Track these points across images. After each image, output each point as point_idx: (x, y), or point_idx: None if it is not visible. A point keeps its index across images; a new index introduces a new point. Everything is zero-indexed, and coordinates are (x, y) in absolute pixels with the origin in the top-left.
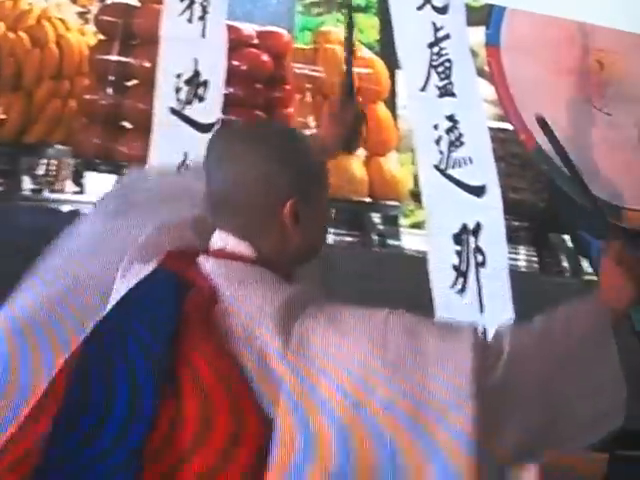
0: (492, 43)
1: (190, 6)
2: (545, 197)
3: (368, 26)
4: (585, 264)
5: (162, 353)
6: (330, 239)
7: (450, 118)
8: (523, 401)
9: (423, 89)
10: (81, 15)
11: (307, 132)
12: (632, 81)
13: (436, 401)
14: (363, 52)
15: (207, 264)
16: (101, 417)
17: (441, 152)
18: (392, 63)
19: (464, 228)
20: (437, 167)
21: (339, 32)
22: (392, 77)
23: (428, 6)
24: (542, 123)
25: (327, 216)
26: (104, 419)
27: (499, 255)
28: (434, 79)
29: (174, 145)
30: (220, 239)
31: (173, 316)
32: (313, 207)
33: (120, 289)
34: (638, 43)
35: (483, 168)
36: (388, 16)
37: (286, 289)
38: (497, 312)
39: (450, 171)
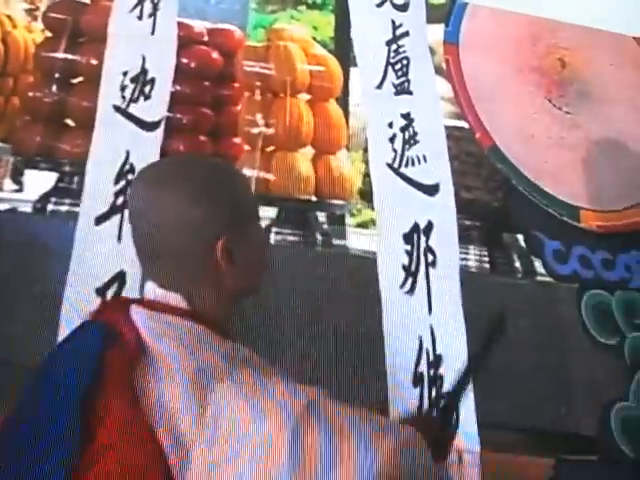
0: (451, 41)
1: (141, 3)
2: (499, 196)
3: (323, 23)
4: (538, 264)
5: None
6: (273, 238)
7: (406, 116)
8: None
9: (379, 86)
10: (29, 12)
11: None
12: (594, 80)
13: None
14: (316, 49)
15: (137, 315)
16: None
17: (395, 150)
18: (346, 61)
19: (415, 227)
20: (390, 165)
21: (292, 29)
22: (346, 75)
23: (388, 3)
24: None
25: (264, 251)
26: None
27: (450, 255)
28: (391, 76)
29: (116, 143)
30: (151, 290)
31: (92, 371)
32: (247, 243)
33: None
34: (603, 41)
35: (437, 167)
36: (345, 13)
37: (208, 350)
38: (446, 313)
39: (403, 170)
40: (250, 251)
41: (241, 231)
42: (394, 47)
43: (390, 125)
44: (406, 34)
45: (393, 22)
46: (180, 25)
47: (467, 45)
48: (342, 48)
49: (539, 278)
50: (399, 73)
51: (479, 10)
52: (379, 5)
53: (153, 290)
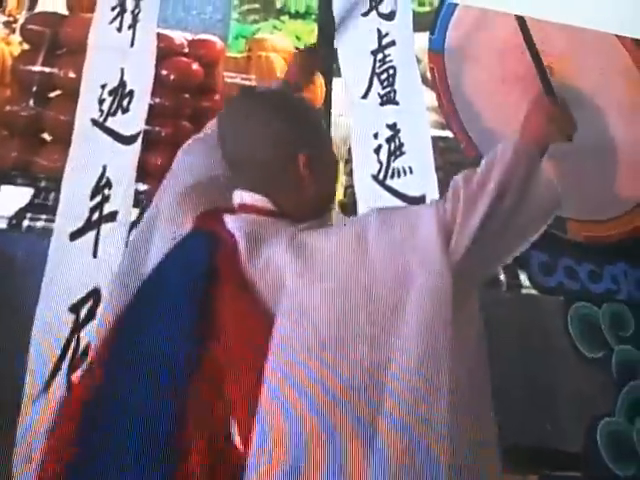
0: (436, 49)
1: (121, 14)
2: None
3: (306, 32)
4: (523, 277)
5: (193, 317)
6: None
7: (392, 127)
8: (500, 231)
9: (364, 96)
10: (7, 24)
11: None
12: (584, 87)
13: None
14: None
15: (229, 221)
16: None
17: (380, 162)
18: (329, 71)
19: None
20: (375, 177)
21: (274, 39)
22: (328, 85)
23: (374, 12)
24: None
25: (336, 165)
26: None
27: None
28: (376, 86)
29: (93, 158)
30: (239, 196)
31: (205, 274)
32: (323, 158)
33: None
34: (592, 47)
35: (423, 178)
36: (328, 22)
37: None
38: None
39: (389, 181)
40: (326, 164)
41: (318, 148)
42: (380, 56)
43: (375, 136)
44: (392, 43)
45: (379, 31)
46: (160, 36)
47: (452, 54)
48: (325, 57)
49: (524, 291)
50: (385, 83)
51: (465, 18)
52: (365, 14)
53: (241, 195)
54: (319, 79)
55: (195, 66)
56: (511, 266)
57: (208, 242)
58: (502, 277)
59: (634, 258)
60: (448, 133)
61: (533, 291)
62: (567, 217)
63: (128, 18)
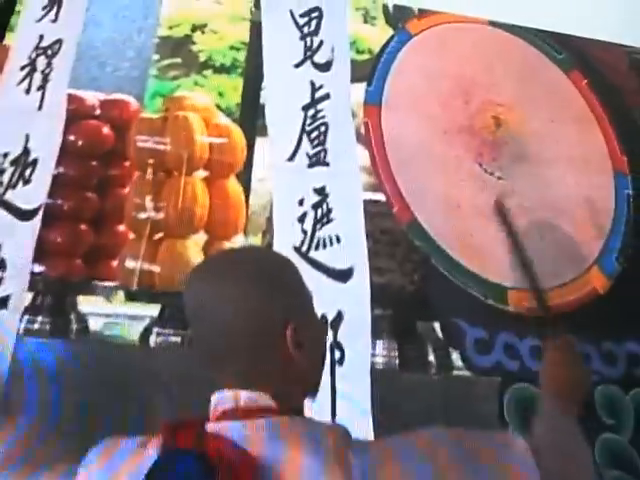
0: (372, 102)
1: (30, 74)
2: (415, 279)
3: (230, 88)
4: (455, 357)
5: None
6: (153, 340)
7: (319, 191)
8: None
9: (291, 158)
10: None
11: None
12: (532, 139)
13: None
14: (219, 119)
15: (227, 431)
16: None
17: (304, 231)
18: (252, 130)
19: (322, 320)
20: (297, 249)
21: (194, 97)
22: (250, 146)
23: (308, 63)
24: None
25: (324, 335)
26: None
27: (361, 351)
28: (305, 146)
29: None
30: (227, 398)
31: None
32: (312, 331)
33: None
34: (543, 95)
35: (352, 247)
36: (256, 76)
37: (321, 425)
38: (352, 417)
39: (312, 253)
40: (315, 339)
41: (306, 316)
42: (311, 112)
43: (300, 202)
44: (326, 97)
45: (312, 84)
46: (70, 97)
47: (390, 105)
48: (249, 116)
49: (455, 372)
50: (315, 142)
51: (407, 66)
52: (298, 65)
53: (230, 396)
54: (240, 139)
55: (106, 130)
56: (442, 345)
57: (202, 469)
58: (431, 357)
59: (582, 329)
60: (380, 196)
61: (466, 372)
62: (508, 286)
63: (38, 78)
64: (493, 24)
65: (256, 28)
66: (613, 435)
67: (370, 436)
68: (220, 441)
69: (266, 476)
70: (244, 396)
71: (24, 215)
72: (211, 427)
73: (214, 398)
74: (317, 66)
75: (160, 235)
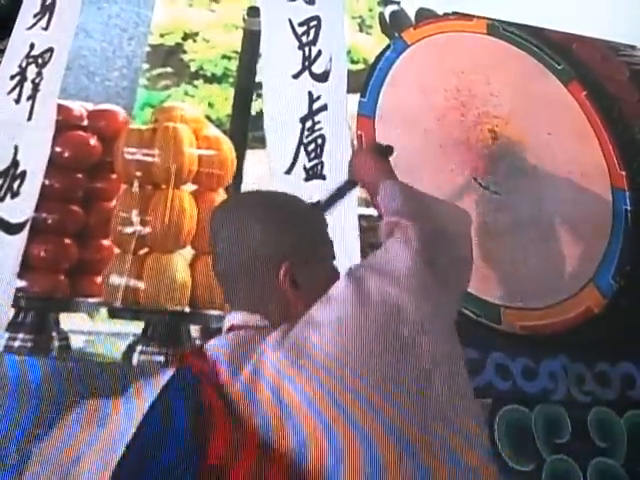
0: (366, 113)
1: (21, 83)
2: None
3: (221, 99)
4: None
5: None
6: (136, 359)
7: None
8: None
9: (288, 171)
10: None
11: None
12: (529, 153)
13: None
14: (209, 130)
15: (209, 348)
16: None
17: None
18: (242, 142)
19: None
20: None
21: (184, 108)
22: (240, 158)
23: (306, 73)
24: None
25: (327, 279)
26: None
27: None
28: (302, 159)
29: None
30: (232, 317)
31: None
32: (314, 273)
33: None
34: (541, 107)
35: (346, 264)
36: (247, 87)
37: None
38: None
39: None
40: (318, 282)
41: (306, 260)
42: (309, 124)
43: None
44: (324, 108)
45: (310, 95)
46: (59, 108)
47: (384, 118)
48: (239, 127)
49: None
50: (312, 155)
51: (402, 77)
52: (296, 76)
53: (234, 316)
54: (230, 151)
55: (93, 141)
56: None
57: (188, 386)
58: None
59: (576, 349)
60: (371, 211)
61: None
62: (501, 304)
63: (28, 88)
64: (492, 34)
65: (249, 37)
66: (606, 459)
67: None
68: (200, 357)
69: (228, 374)
70: (240, 317)
71: (11, 229)
72: (207, 345)
73: (227, 318)
74: (315, 76)
75: (146, 250)
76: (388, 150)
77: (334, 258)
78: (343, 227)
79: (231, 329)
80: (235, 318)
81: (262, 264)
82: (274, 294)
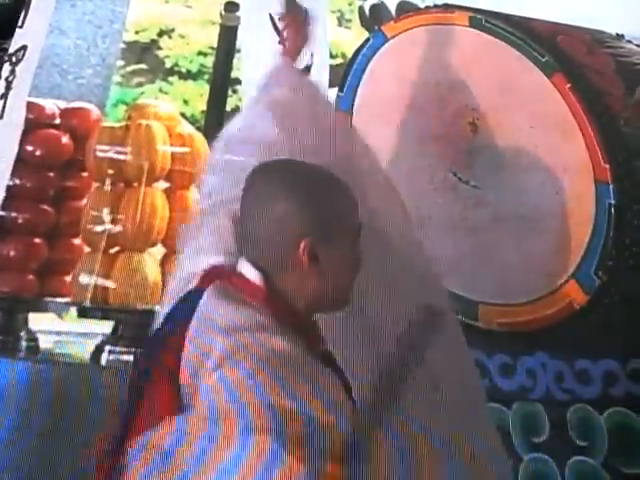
0: (343, 107)
1: None
2: None
3: (195, 95)
4: None
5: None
6: (105, 359)
7: None
8: None
9: None
10: None
11: None
12: (510, 146)
13: None
14: (183, 128)
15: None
16: None
17: None
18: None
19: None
20: None
21: (158, 105)
22: None
23: None
24: None
25: (355, 260)
26: None
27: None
28: None
29: None
30: (240, 265)
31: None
32: (336, 250)
33: None
34: (523, 99)
35: None
36: (222, 83)
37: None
38: None
39: None
40: (339, 260)
41: (329, 236)
42: None
43: None
44: None
45: None
46: (30, 106)
47: (362, 113)
48: (214, 124)
49: None
50: None
51: (380, 71)
52: None
53: (242, 265)
54: (203, 148)
55: (65, 139)
56: None
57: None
58: None
59: (555, 346)
60: None
61: None
62: (479, 301)
63: (1, 86)
64: (474, 26)
65: (225, 32)
66: (585, 458)
67: None
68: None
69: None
70: (245, 268)
71: None
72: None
73: (239, 262)
74: None
75: (117, 249)
76: None
77: (359, 236)
78: None
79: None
80: (242, 267)
81: (280, 232)
82: (289, 264)
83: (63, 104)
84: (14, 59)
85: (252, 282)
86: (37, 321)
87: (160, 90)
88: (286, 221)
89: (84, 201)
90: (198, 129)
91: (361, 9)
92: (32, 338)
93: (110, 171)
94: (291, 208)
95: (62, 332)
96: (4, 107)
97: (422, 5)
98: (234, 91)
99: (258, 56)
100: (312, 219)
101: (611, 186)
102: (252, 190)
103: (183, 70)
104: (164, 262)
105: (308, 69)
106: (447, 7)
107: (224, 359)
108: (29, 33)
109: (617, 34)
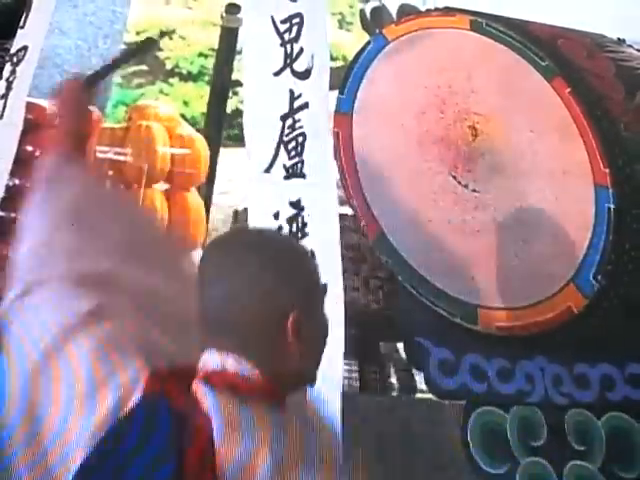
0: (343, 110)
1: None
2: (380, 297)
3: (196, 97)
4: (419, 378)
5: None
6: None
7: (295, 204)
8: None
9: (268, 170)
10: None
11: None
12: (510, 150)
13: None
14: (183, 129)
15: (205, 395)
16: None
17: None
18: (216, 140)
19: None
20: None
21: (158, 106)
22: (214, 157)
23: (288, 71)
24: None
25: (326, 332)
26: None
27: (332, 375)
28: (282, 157)
29: None
30: (215, 360)
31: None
32: (315, 324)
33: None
34: (523, 103)
35: (327, 264)
36: (223, 85)
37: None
38: None
39: None
40: (315, 330)
41: (311, 309)
42: (289, 122)
43: (276, 216)
44: (305, 106)
45: (291, 92)
46: (30, 106)
47: (362, 115)
48: (214, 125)
49: (419, 395)
50: (292, 153)
51: (381, 74)
52: (277, 73)
53: (219, 359)
54: (203, 150)
55: None
56: (406, 366)
57: (174, 429)
58: (394, 380)
59: (554, 350)
60: (347, 209)
61: (429, 395)
62: (478, 304)
63: (2, 87)
64: (474, 30)
65: (226, 34)
66: (583, 462)
67: None
68: (193, 402)
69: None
70: (230, 362)
71: None
72: (201, 387)
73: (204, 356)
74: (296, 74)
75: None
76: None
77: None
78: (324, 230)
79: (215, 375)
80: (219, 362)
81: (265, 309)
82: (275, 343)
83: None
84: (15, 59)
85: (246, 379)
86: None
87: (160, 91)
88: (269, 298)
89: None
90: (198, 131)
91: (362, 12)
92: None
93: (110, 172)
94: (272, 283)
95: None
96: (4, 107)
97: (423, 8)
98: (235, 93)
99: (259, 58)
100: (294, 292)
101: (611, 190)
102: (218, 269)
103: (184, 71)
104: None
105: (308, 72)
106: (448, 10)
107: None
108: (29, 33)
109: (618, 38)
